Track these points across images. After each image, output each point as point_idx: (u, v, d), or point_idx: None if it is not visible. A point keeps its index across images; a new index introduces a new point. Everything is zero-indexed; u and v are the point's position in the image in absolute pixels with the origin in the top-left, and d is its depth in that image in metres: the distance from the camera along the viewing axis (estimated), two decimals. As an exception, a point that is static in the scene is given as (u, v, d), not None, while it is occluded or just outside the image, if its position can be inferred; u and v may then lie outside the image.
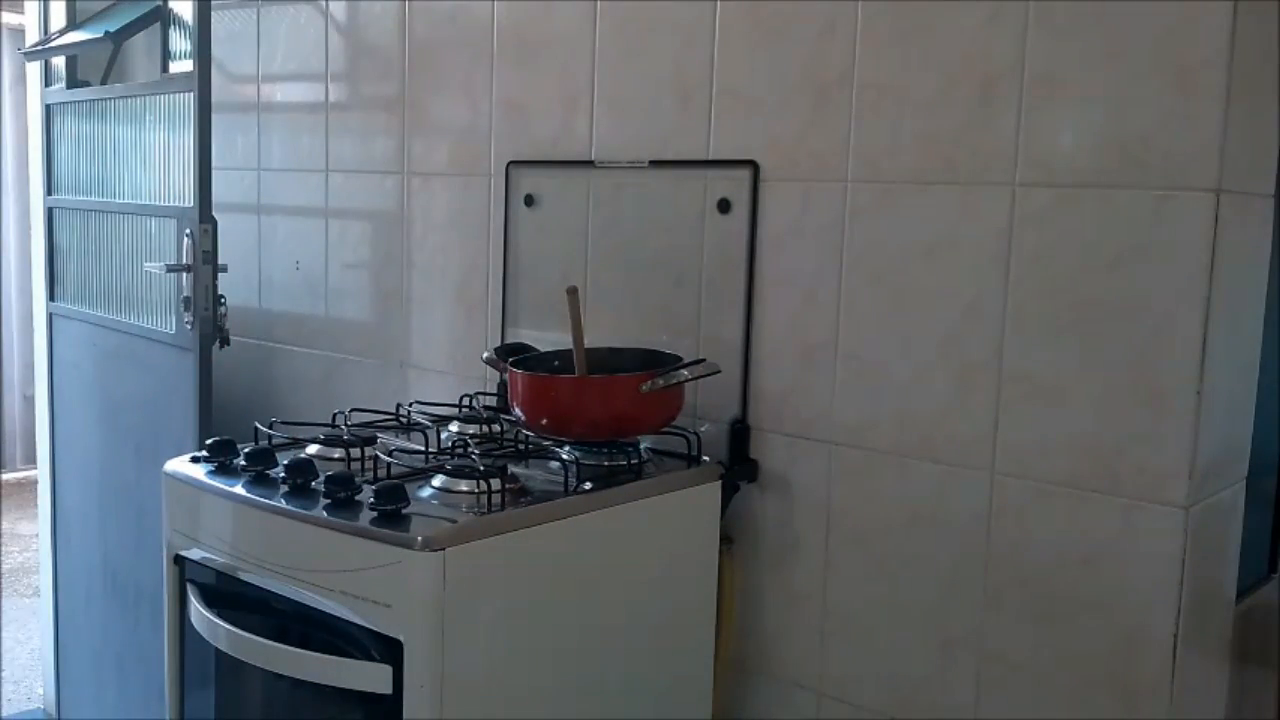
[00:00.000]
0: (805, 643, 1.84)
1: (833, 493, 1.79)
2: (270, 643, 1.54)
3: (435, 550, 1.41)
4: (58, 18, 2.95)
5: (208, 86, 2.31)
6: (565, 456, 1.69)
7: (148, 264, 2.53)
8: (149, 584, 2.54)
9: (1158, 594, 1.49)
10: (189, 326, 2.35)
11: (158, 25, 2.55)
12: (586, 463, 1.70)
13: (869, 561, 1.76)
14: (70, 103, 2.90)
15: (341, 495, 1.53)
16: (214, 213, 2.34)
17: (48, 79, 3.03)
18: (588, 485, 1.63)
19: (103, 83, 2.87)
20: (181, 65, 2.44)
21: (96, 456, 2.81)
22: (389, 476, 1.60)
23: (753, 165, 1.83)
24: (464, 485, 1.57)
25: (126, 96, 2.68)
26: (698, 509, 1.80)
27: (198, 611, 1.65)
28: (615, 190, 2.01)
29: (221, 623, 1.60)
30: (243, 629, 1.58)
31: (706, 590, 1.83)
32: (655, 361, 1.80)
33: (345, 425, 1.86)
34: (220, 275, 2.37)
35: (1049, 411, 1.56)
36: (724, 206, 1.87)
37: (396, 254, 2.39)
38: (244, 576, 1.62)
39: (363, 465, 1.67)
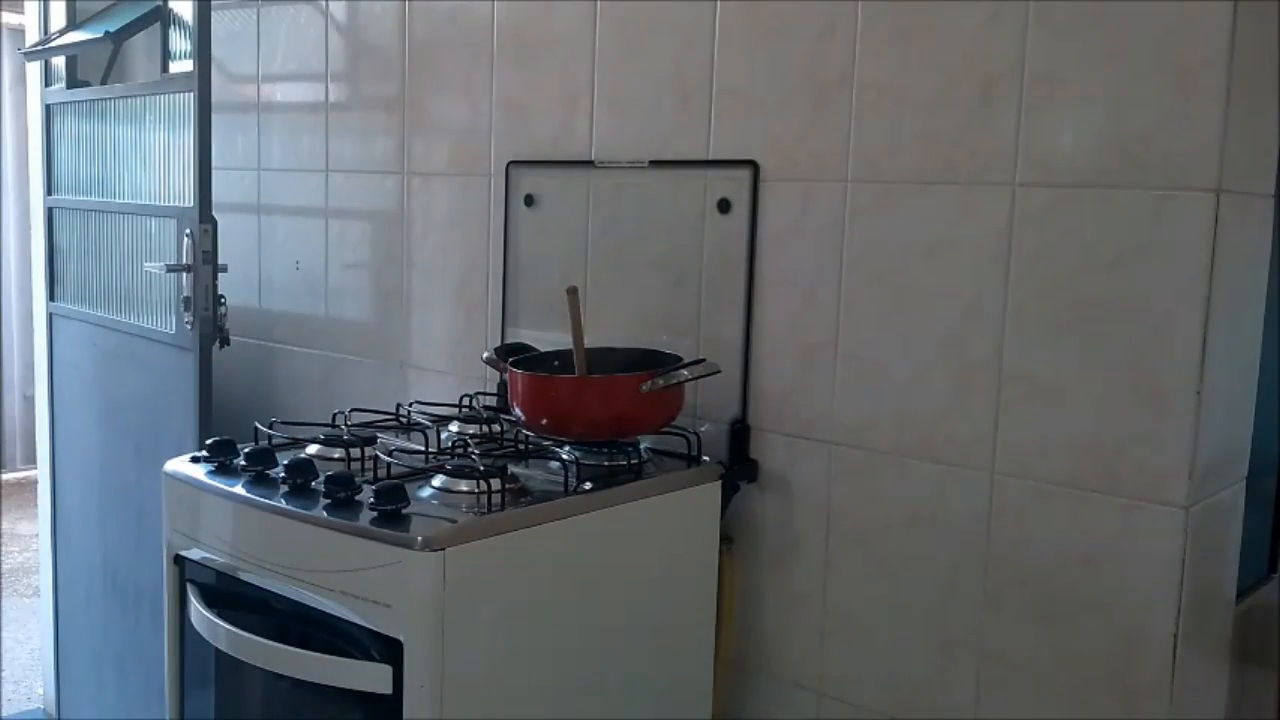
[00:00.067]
0: (805, 643, 1.84)
1: (833, 493, 1.79)
2: (270, 643, 1.54)
3: (435, 550, 1.41)
4: (58, 18, 2.95)
5: (208, 86, 2.31)
6: (565, 456, 1.69)
7: (148, 264, 2.53)
8: (149, 584, 2.54)
9: (1158, 594, 1.49)
10: (189, 326, 2.35)
11: (158, 25, 2.55)
12: (586, 463, 1.70)
13: (869, 561, 1.76)
14: (70, 103, 2.90)
15: (341, 495, 1.53)
16: (214, 213, 2.34)
17: (48, 79, 3.03)
18: (588, 485, 1.63)
19: (103, 83, 2.87)
20: (181, 65, 2.44)
21: (96, 456, 2.81)
22: (389, 476, 1.60)
23: (753, 165, 1.83)
24: (464, 485, 1.57)
25: (126, 96, 2.68)
26: (698, 509, 1.80)
27: (198, 611, 1.65)
28: (615, 190, 2.01)
29: (221, 623, 1.60)
30: (243, 629, 1.58)
31: (706, 590, 1.83)
32: (655, 361, 1.80)
33: (345, 425, 1.86)
34: (220, 275, 2.37)
35: (1049, 411, 1.56)
36: (724, 206, 1.87)
37: (396, 254, 2.39)
38: (244, 576, 1.62)
39: (363, 465, 1.67)
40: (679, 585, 1.78)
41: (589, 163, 2.04)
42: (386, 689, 1.44)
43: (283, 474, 1.61)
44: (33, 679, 3.65)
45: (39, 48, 2.96)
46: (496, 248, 2.20)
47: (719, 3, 1.85)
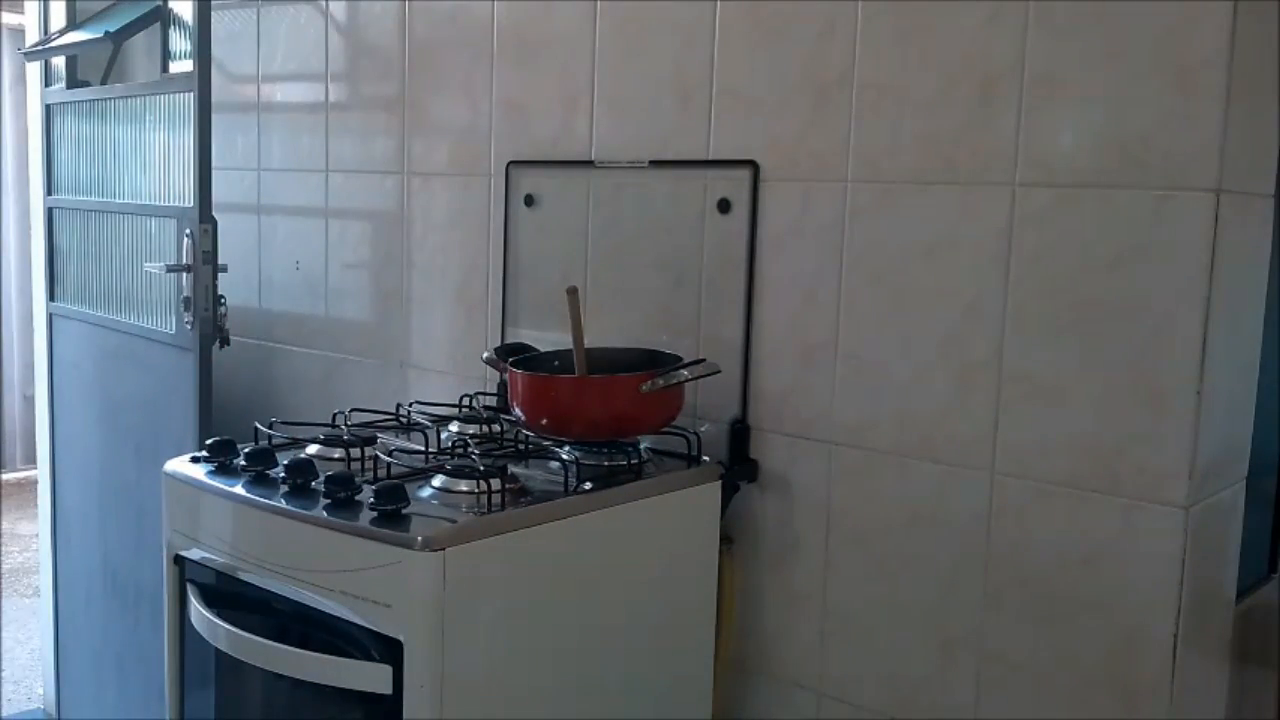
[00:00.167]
0: (805, 643, 1.84)
1: (833, 493, 1.79)
2: (270, 643, 1.54)
3: (435, 550, 1.41)
4: (58, 18, 2.95)
5: (208, 86, 2.31)
6: (565, 456, 1.69)
7: (148, 264, 2.53)
8: (149, 584, 2.54)
9: (1158, 594, 1.49)
10: (189, 326, 2.35)
11: (158, 25, 2.55)
12: (586, 463, 1.70)
13: (869, 561, 1.76)
14: (70, 103, 2.90)
15: (341, 495, 1.53)
16: (214, 213, 2.34)
17: (48, 79, 3.03)
18: (588, 485, 1.63)
19: (103, 83, 2.87)
20: (181, 65, 2.44)
21: (96, 456, 2.81)
22: (389, 476, 1.60)
23: (753, 165, 1.83)
24: (464, 485, 1.57)
25: (126, 96, 2.68)
26: (698, 509, 1.80)
27: (198, 611, 1.65)
28: (615, 190, 2.01)
29: (221, 623, 1.60)
30: (243, 629, 1.58)
31: (706, 590, 1.83)
32: (655, 361, 1.80)
33: (345, 425, 1.86)
34: (220, 275, 2.37)
35: (1049, 411, 1.56)
36: (724, 206, 1.87)
37: (396, 254, 2.39)
38: (244, 576, 1.62)
39: (363, 465, 1.67)
40: (679, 585, 1.78)
41: (589, 163, 2.04)
42: (386, 689, 1.44)
43: (283, 474, 1.61)
44: (33, 679, 3.65)
45: (39, 48, 2.96)
46: (496, 248, 2.20)
47: (719, 3, 1.86)
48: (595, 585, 1.64)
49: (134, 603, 2.65)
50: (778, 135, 1.80)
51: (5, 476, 5.94)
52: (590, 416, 1.75)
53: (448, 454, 1.72)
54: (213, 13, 2.40)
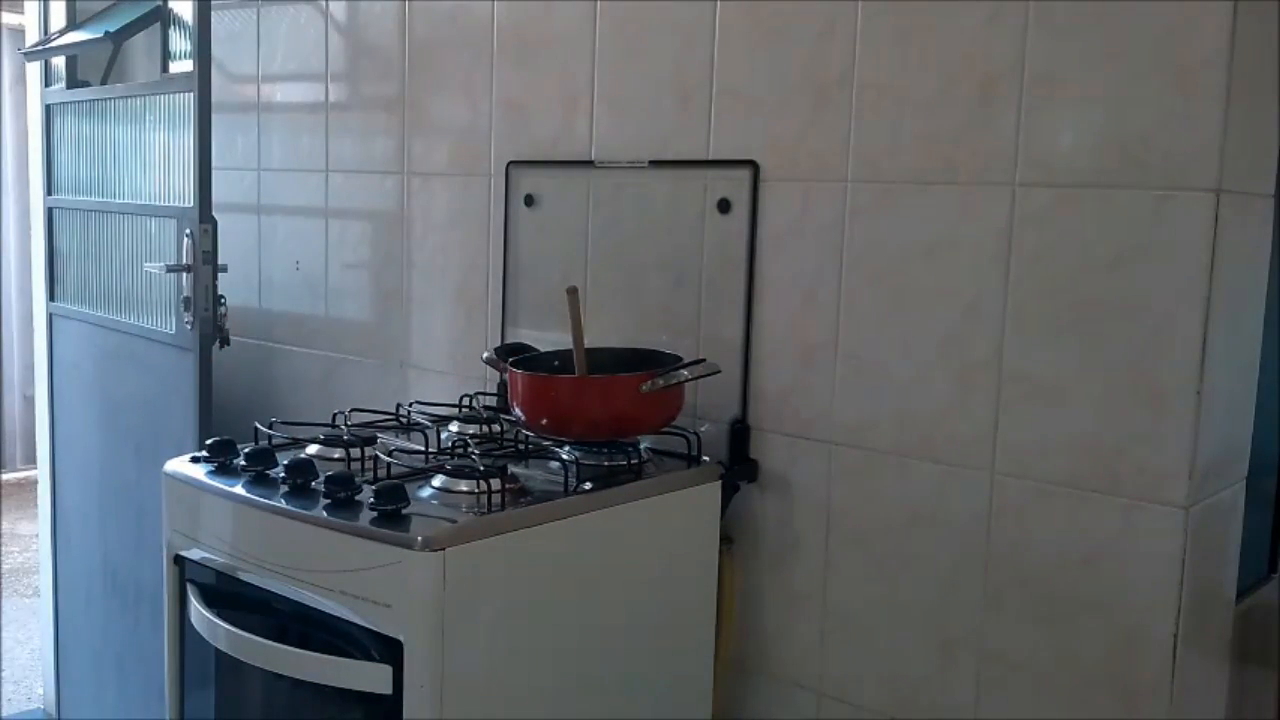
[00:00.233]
0: (805, 643, 1.84)
1: (833, 493, 1.79)
2: (270, 643, 1.54)
3: (435, 550, 1.41)
4: (58, 18, 2.95)
5: (208, 86, 2.31)
6: (565, 456, 1.69)
7: (148, 264, 2.53)
8: (149, 584, 2.54)
9: (1158, 594, 1.49)
10: (189, 326, 2.35)
11: (158, 25, 2.55)
12: (586, 463, 1.70)
13: (869, 561, 1.76)
14: (70, 103, 2.90)
15: (341, 495, 1.53)
16: (214, 213, 2.34)
17: (48, 79, 3.03)
18: (588, 485, 1.63)
19: (103, 83, 2.87)
20: (181, 65, 2.44)
21: (96, 456, 2.81)
22: (389, 476, 1.60)
23: (753, 165, 1.83)
24: (464, 485, 1.57)
25: (126, 96, 2.68)
26: (698, 509, 1.80)
27: (198, 611, 1.65)
28: (615, 190, 2.01)
29: (221, 623, 1.60)
30: (243, 629, 1.58)
31: (706, 590, 1.83)
32: (655, 361, 1.80)
33: (345, 425, 1.86)
34: (220, 275, 2.37)
35: (1049, 411, 1.56)
36: (724, 206, 1.87)
37: (396, 254, 2.39)
38: (244, 576, 1.62)
39: (363, 465, 1.67)
40: (679, 585, 1.78)
41: (589, 163, 2.04)
42: (386, 689, 1.44)
43: (283, 474, 1.61)
44: (33, 679, 3.65)
45: (39, 48, 2.96)
46: (496, 248, 2.20)
47: (719, 3, 1.86)
48: (595, 585, 1.64)
49: (134, 603, 2.66)
50: (778, 135, 1.80)
51: (5, 476, 5.94)
52: (590, 416, 1.75)
53: (448, 454, 1.72)
54: (213, 13, 2.40)
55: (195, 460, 1.74)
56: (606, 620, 1.66)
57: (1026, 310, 1.58)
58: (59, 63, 2.94)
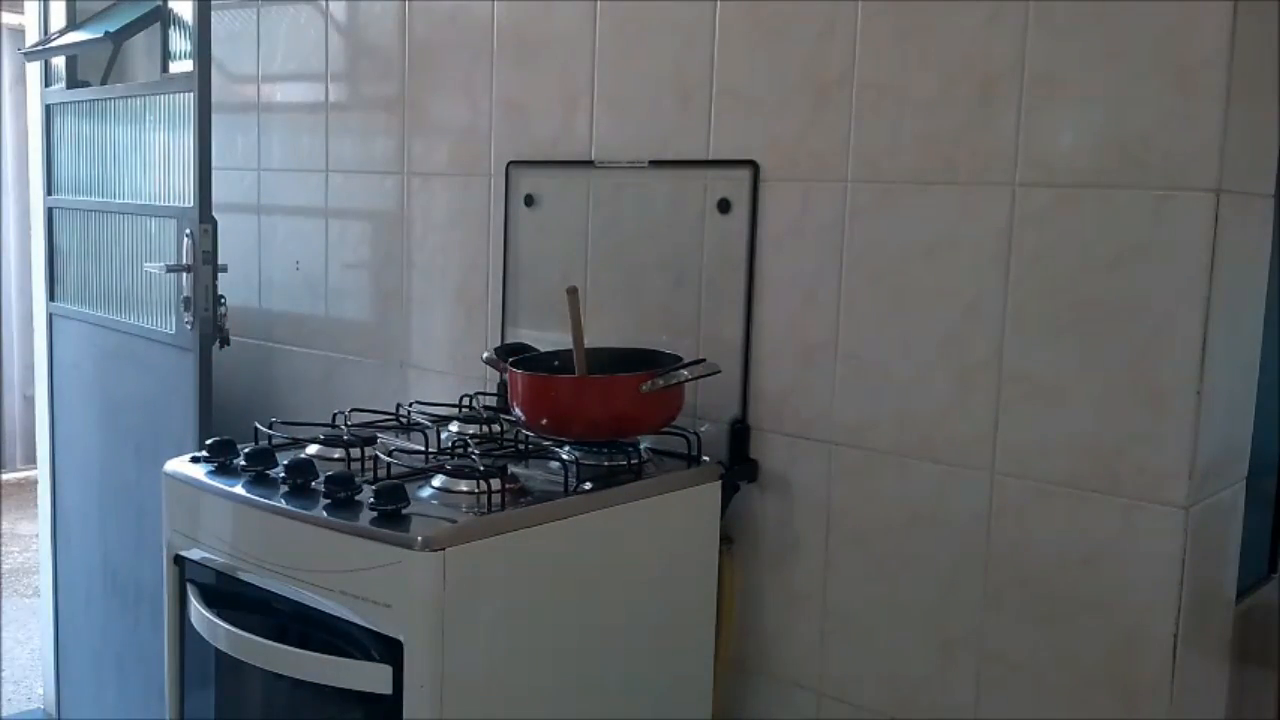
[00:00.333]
0: (805, 643, 1.84)
1: (833, 493, 1.79)
2: (270, 643, 1.54)
3: (435, 550, 1.41)
4: (58, 18, 2.95)
5: (208, 86, 2.31)
6: (565, 456, 1.69)
7: (148, 264, 2.53)
8: (149, 584, 2.54)
9: (1158, 594, 1.49)
10: (189, 326, 2.35)
11: (158, 25, 2.55)
12: (586, 463, 1.70)
13: (869, 561, 1.76)
14: (70, 103, 2.90)
15: (341, 495, 1.53)
16: (214, 213, 2.34)
17: (48, 79, 3.03)
18: (588, 485, 1.63)
19: (103, 83, 2.87)
20: (181, 65, 2.44)
21: (96, 456, 2.81)
22: (389, 476, 1.60)
23: (753, 165, 1.83)
24: (464, 485, 1.57)
25: (126, 96, 2.68)
26: (698, 509, 1.80)
27: (198, 611, 1.65)
28: (615, 190, 2.01)
29: (221, 623, 1.60)
30: (242, 629, 1.58)
31: (706, 590, 1.83)
32: (655, 361, 1.80)
33: (345, 425, 1.86)
34: (220, 275, 2.37)
35: (1049, 411, 1.56)
36: (724, 206, 1.87)
37: (396, 254, 2.39)
38: (244, 576, 1.62)
39: (363, 465, 1.67)
40: (679, 585, 1.78)
41: (589, 163, 2.04)
42: (386, 689, 1.44)
43: (283, 474, 1.61)
44: (33, 679, 3.65)
45: (39, 48, 2.96)
46: (496, 248, 2.20)
47: (719, 3, 1.86)
48: (595, 585, 1.64)
49: (134, 603, 2.66)
50: (778, 135, 1.80)
51: (5, 476, 5.94)
52: (590, 416, 1.75)
53: (448, 454, 1.72)
54: (213, 13, 2.40)
55: (195, 460, 1.75)
56: (606, 620, 1.66)
57: (1026, 310, 1.58)
58: (59, 63, 2.95)
